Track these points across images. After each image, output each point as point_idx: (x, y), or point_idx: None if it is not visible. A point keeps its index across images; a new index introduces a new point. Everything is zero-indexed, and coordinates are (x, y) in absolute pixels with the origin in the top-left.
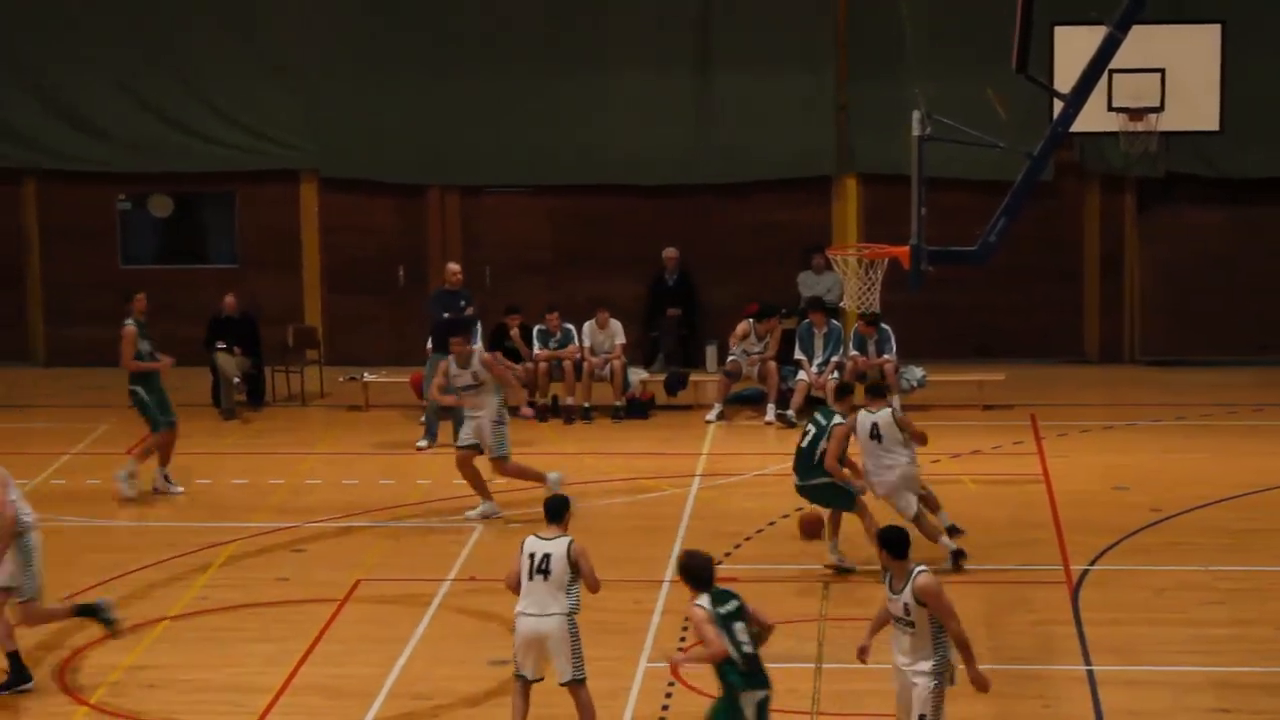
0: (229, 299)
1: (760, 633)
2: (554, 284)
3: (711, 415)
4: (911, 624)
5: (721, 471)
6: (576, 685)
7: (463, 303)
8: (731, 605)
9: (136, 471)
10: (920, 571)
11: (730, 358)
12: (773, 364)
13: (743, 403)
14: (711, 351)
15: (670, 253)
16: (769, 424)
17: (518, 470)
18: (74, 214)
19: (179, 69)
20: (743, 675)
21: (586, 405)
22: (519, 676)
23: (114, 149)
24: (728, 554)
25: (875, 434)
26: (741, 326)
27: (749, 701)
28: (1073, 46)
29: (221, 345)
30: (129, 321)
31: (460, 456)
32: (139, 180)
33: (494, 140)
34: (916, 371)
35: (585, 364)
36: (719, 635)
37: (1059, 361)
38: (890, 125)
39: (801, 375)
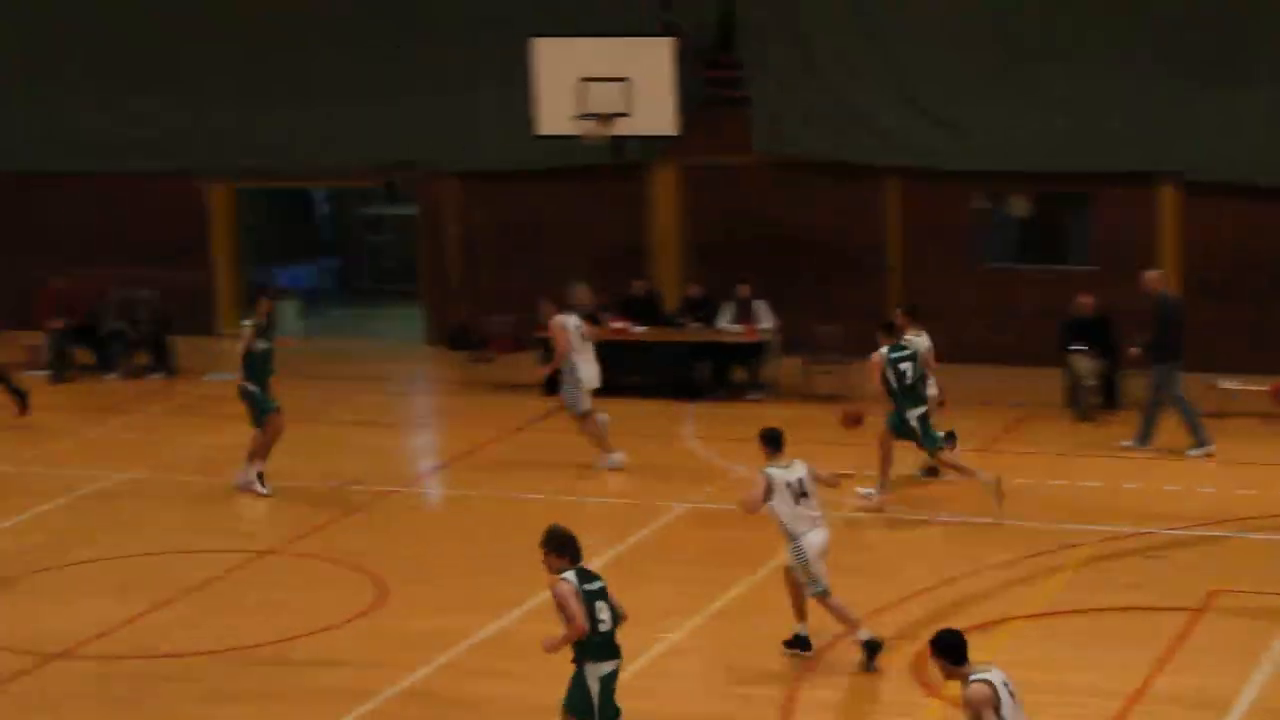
0: (1085, 300)
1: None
2: None
3: None
4: None
5: None
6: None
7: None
8: (597, 585)
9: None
10: (973, 679)
11: None
12: None
13: None
14: None
15: None
16: None
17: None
18: (934, 212)
19: (1057, 66)
20: (594, 649)
21: None
22: (825, 592)
23: (975, 149)
24: None
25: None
26: None
27: (593, 674)
28: None
29: (1076, 347)
30: (247, 322)
31: None
32: (998, 179)
33: None
34: None
35: None
36: (581, 610)
37: None
38: None
39: None
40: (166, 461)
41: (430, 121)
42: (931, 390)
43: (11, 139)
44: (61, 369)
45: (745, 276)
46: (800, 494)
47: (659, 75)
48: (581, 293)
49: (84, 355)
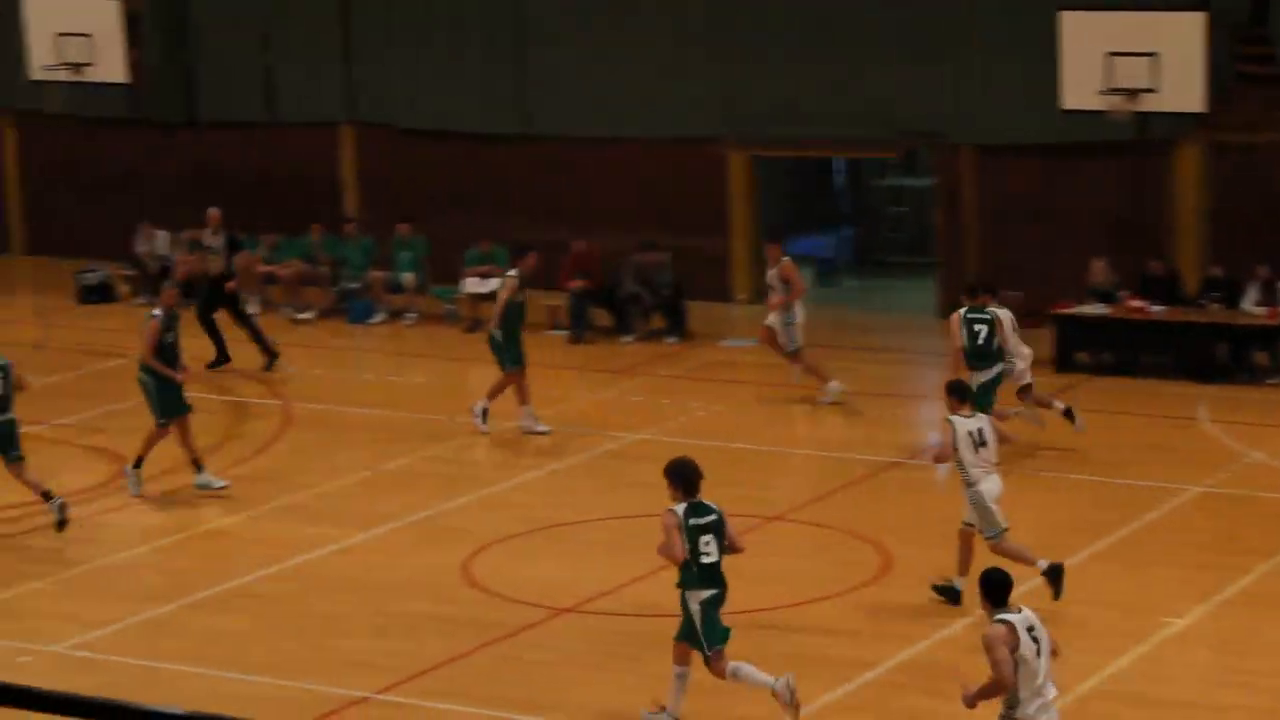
0: None
1: (729, 548)
2: None
3: None
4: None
5: None
6: None
7: None
8: (708, 519)
9: (488, 409)
10: (995, 619)
11: None
12: None
13: None
14: None
15: None
16: None
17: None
18: None
19: None
20: (695, 578)
21: None
22: (998, 536)
23: None
24: None
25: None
26: None
27: (693, 599)
28: None
29: None
30: (512, 272)
31: None
32: None
33: None
34: None
35: None
36: (681, 542)
37: None
38: None
39: None
40: (676, 425)
41: (951, 93)
42: (1019, 363)
43: (551, 104)
44: (579, 329)
45: (1266, 257)
46: (980, 443)
47: (1188, 50)
48: (1099, 269)
49: (602, 317)
